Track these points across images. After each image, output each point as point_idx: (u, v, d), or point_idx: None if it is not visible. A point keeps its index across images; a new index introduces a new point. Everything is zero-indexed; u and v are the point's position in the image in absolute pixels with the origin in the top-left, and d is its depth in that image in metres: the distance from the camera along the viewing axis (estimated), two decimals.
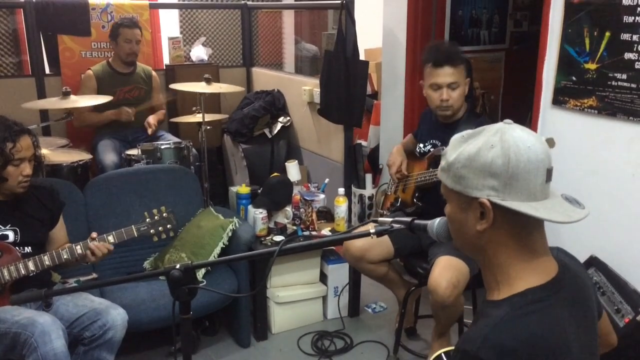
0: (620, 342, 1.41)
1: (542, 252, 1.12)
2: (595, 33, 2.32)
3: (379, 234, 1.39)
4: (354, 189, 3.77)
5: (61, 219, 2.45)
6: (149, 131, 3.98)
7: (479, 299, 2.79)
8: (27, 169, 2.21)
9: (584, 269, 1.24)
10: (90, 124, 4.00)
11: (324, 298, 3.19)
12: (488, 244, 1.12)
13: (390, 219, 1.40)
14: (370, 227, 1.43)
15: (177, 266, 1.39)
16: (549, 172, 1.09)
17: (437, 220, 1.28)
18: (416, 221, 1.35)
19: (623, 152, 2.29)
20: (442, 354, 1.35)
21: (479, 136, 1.10)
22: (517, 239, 1.10)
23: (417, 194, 2.69)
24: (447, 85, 2.51)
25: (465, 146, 1.10)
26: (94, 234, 2.29)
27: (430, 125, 2.77)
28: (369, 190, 3.72)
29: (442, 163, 1.15)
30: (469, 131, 1.13)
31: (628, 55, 2.21)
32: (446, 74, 2.50)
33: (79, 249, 2.25)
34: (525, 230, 1.10)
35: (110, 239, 2.29)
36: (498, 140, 1.07)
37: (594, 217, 1.12)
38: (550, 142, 1.12)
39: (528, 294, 1.08)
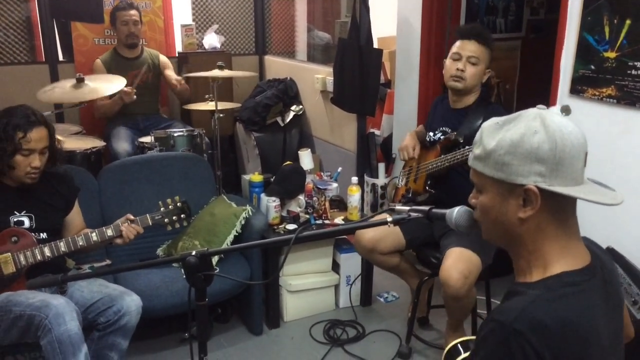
0: (637, 334, 1.40)
1: (576, 237, 1.13)
2: (615, 21, 2.28)
3: (396, 222, 1.38)
4: (366, 178, 3.75)
5: (77, 204, 2.46)
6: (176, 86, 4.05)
7: (493, 290, 2.77)
8: (35, 161, 2.20)
9: (610, 258, 1.23)
10: (108, 112, 4.00)
11: (336, 287, 3.19)
12: (526, 231, 1.10)
13: (408, 208, 1.39)
14: (387, 217, 1.41)
15: (193, 253, 1.39)
16: (585, 156, 1.09)
17: (457, 209, 1.27)
18: (434, 210, 1.34)
19: None
20: (458, 344, 1.34)
21: (517, 122, 1.09)
22: (556, 224, 1.09)
23: (428, 182, 2.65)
24: (468, 57, 2.51)
25: (504, 133, 1.08)
26: (131, 216, 2.30)
27: (440, 112, 2.74)
28: (381, 180, 3.70)
29: (477, 151, 1.13)
30: (502, 117, 1.12)
31: None
32: (470, 48, 2.52)
33: (109, 231, 2.26)
34: (564, 215, 1.10)
35: (124, 228, 2.29)
36: (540, 125, 1.06)
37: (610, 207, 1.11)
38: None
39: (564, 276, 1.07)
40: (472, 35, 2.53)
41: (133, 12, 4.03)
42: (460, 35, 2.57)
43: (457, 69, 2.52)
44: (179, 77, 4.15)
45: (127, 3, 4.08)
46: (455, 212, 1.27)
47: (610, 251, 2.28)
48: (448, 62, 2.59)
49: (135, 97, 3.86)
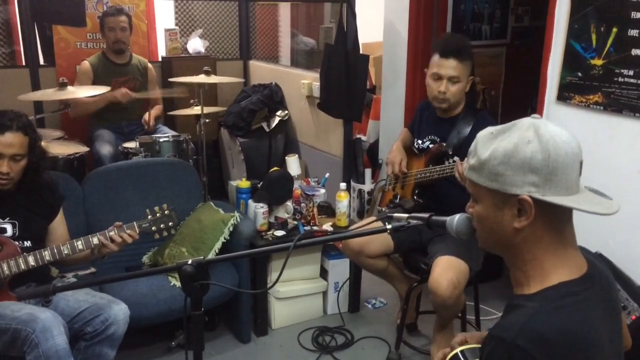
0: (633, 340, 1.41)
1: (573, 246, 1.12)
2: (602, 29, 2.31)
3: (395, 229, 1.37)
4: (353, 184, 3.75)
5: (61, 213, 2.40)
6: (147, 128, 3.93)
7: (481, 295, 2.78)
8: (3, 166, 2.11)
9: (606, 266, 1.24)
10: (87, 112, 3.94)
11: (324, 293, 3.16)
12: (523, 241, 1.10)
13: (407, 215, 1.38)
14: (386, 224, 1.40)
15: (189, 262, 1.36)
16: (581, 165, 1.08)
17: (457, 216, 1.27)
18: (434, 217, 1.33)
19: (628, 149, 2.29)
20: (459, 353, 1.33)
21: (511, 132, 1.09)
22: (552, 234, 1.09)
23: (416, 191, 2.67)
24: (449, 78, 2.50)
25: (498, 142, 1.08)
26: (119, 224, 2.25)
27: (429, 120, 2.75)
28: (368, 186, 3.70)
29: (472, 161, 1.13)
30: (496, 127, 1.12)
31: (635, 52, 2.21)
32: (450, 67, 2.49)
33: (95, 240, 2.20)
34: (559, 225, 1.09)
35: (112, 234, 2.25)
36: (534, 135, 1.06)
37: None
38: None
39: (562, 287, 1.07)
40: (451, 53, 2.48)
41: (122, 18, 3.95)
42: (440, 53, 2.52)
43: (440, 92, 2.51)
44: (150, 119, 3.96)
45: (116, 9, 4.00)
46: (456, 220, 1.27)
47: (599, 257, 2.30)
48: (429, 81, 2.57)
49: (131, 97, 3.82)
